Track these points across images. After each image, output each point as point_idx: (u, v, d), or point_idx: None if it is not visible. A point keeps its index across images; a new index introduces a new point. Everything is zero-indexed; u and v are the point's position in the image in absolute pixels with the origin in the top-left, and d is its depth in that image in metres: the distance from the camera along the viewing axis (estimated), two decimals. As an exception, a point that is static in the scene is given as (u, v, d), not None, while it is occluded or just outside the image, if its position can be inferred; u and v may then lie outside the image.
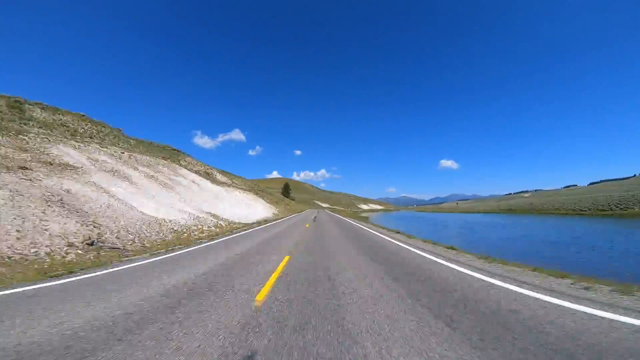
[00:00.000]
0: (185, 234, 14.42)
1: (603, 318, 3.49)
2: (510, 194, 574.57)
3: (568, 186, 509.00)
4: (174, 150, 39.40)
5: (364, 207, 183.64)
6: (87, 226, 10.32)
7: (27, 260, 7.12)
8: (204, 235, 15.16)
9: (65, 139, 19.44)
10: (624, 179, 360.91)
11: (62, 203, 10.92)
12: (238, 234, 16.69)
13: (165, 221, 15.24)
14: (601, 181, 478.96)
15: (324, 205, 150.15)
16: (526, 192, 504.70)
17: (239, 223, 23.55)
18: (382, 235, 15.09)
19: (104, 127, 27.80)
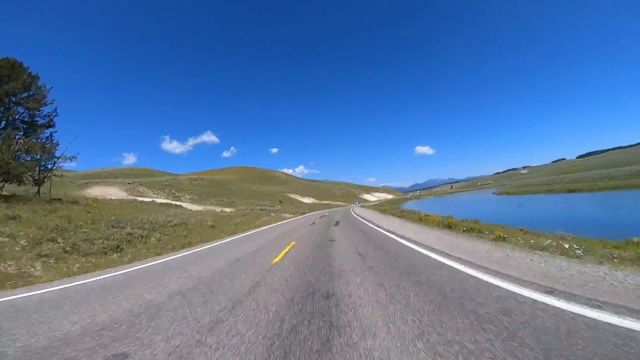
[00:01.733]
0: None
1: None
2: (506, 170, 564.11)
3: (556, 160, 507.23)
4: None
5: (370, 197, 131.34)
6: None
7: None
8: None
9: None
10: (615, 148, 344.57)
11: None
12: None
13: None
14: (587, 153, 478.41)
15: (307, 200, 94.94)
16: (523, 168, 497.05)
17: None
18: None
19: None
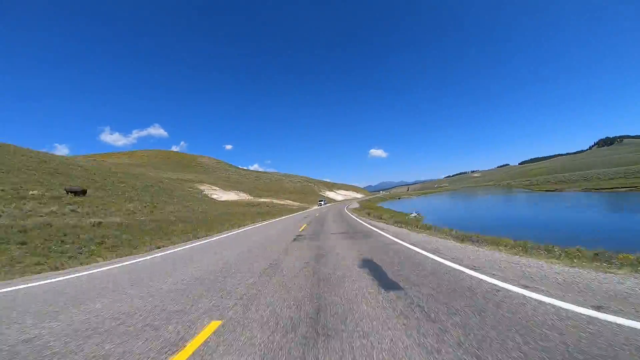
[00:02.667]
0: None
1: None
2: (457, 174, 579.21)
3: (501, 166, 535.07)
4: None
5: (335, 195, 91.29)
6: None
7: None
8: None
9: None
10: (556, 156, 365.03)
11: None
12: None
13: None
14: (529, 160, 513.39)
15: (230, 196, 51.14)
16: (472, 171, 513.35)
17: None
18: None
19: None
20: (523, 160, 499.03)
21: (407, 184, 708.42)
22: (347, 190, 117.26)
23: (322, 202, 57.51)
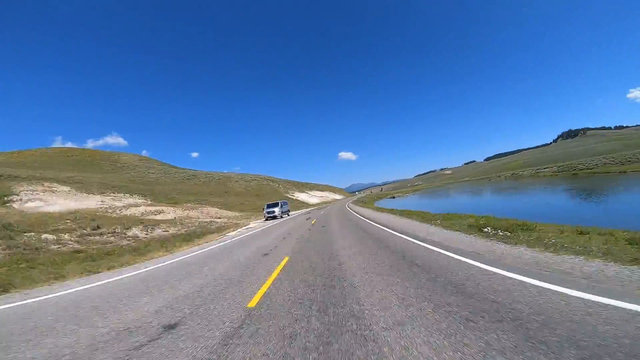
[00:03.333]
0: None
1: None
2: (426, 172, 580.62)
3: (468, 162, 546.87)
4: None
5: (308, 197, 64.56)
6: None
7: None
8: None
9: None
10: (523, 149, 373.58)
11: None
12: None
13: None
14: (494, 156, 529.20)
15: (122, 201, 22.86)
16: (441, 169, 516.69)
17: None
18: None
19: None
20: (488, 156, 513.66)
21: (377, 185, 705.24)
22: (322, 190, 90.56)
23: (278, 211, 29.44)
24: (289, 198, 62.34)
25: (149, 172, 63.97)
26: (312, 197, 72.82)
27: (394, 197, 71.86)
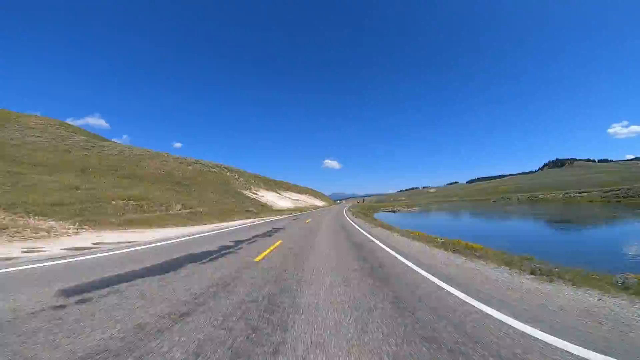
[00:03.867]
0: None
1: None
2: (409, 189, 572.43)
3: (450, 183, 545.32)
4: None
5: (278, 200, 43.20)
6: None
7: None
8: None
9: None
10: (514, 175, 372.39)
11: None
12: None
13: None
14: (476, 179, 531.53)
15: None
16: (424, 187, 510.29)
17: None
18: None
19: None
20: (471, 179, 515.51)
21: (359, 196, 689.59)
22: (300, 193, 69.40)
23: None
24: (246, 196, 40.51)
25: (56, 142, 39.93)
26: (283, 199, 51.40)
27: (395, 211, 52.22)
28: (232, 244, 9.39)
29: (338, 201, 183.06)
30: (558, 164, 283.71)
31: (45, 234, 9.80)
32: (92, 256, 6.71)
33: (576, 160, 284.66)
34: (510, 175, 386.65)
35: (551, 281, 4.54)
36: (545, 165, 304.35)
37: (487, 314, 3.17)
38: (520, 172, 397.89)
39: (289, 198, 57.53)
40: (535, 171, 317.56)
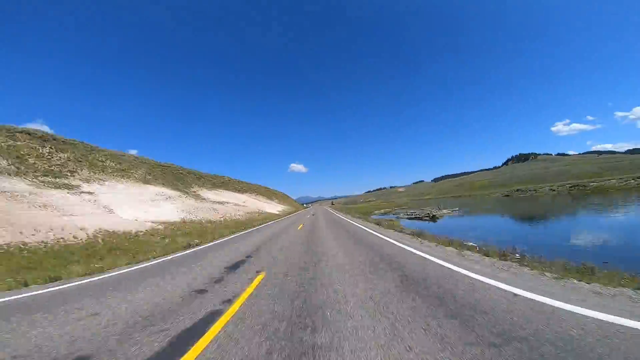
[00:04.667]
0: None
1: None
2: (377, 189, 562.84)
3: (416, 182, 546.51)
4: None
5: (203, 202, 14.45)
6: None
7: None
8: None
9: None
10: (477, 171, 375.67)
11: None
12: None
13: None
14: (441, 177, 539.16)
15: None
16: (391, 187, 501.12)
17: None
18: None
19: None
20: (436, 177, 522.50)
21: (326, 199, 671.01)
22: (253, 194, 41.21)
23: None
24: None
25: None
26: (218, 200, 24.96)
27: (428, 218, 27.34)
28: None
29: (305, 205, 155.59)
30: (522, 158, 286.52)
31: None
32: None
33: (537, 154, 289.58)
34: (475, 171, 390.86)
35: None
36: (509, 160, 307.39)
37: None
38: (483, 168, 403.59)
39: (224, 198, 30.17)
40: (500, 166, 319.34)
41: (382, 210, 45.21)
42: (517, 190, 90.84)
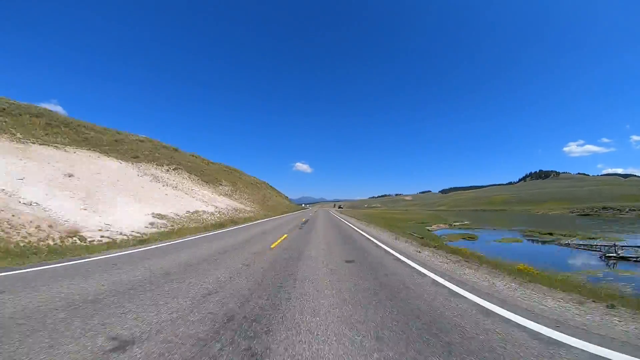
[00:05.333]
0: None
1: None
2: (381, 196, 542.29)
3: (423, 192, 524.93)
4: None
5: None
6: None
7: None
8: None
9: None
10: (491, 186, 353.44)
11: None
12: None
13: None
14: (449, 189, 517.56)
15: None
16: (402, 194, 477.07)
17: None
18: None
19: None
20: (443, 188, 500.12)
21: (328, 201, 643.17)
22: (208, 191, 25.13)
23: None
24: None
25: None
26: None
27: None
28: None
29: (305, 205, 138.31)
30: (542, 175, 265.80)
31: None
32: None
33: (558, 172, 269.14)
34: (487, 185, 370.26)
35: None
36: (527, 176, 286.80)
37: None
38: (494, 183, 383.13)
39: (180, 192, 14.62)
40: (516, 182, 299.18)
41: (440, 225, 27.44)
42: (604, 208, 73.87)
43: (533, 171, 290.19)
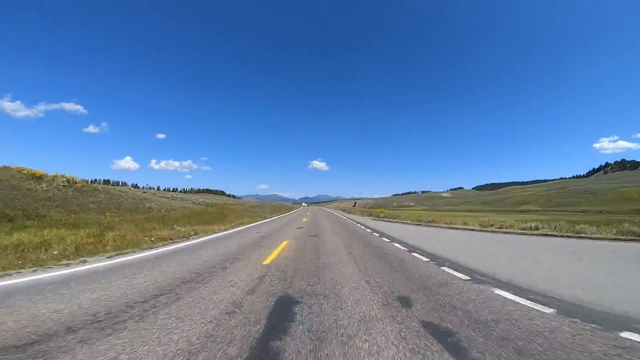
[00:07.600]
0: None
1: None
2: (405, 193, 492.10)
3: (455, 188, 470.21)
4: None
5: None
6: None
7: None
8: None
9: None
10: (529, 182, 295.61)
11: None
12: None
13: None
14: (483, 185, 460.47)
15: None
16: (443, 192, 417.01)
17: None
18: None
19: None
20: (478, 184, 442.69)
21: (345, 200, 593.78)
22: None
23: None
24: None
25: None
26: None
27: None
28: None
29: (305, 204, 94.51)
30: (627, 165, 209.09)
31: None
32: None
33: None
34: (526, 182, 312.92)
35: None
36: (603, 166, 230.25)
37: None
38: (533, 179, 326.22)
39: None
40: (584, 175, 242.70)
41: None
42: None
43: (609, 162, 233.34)
